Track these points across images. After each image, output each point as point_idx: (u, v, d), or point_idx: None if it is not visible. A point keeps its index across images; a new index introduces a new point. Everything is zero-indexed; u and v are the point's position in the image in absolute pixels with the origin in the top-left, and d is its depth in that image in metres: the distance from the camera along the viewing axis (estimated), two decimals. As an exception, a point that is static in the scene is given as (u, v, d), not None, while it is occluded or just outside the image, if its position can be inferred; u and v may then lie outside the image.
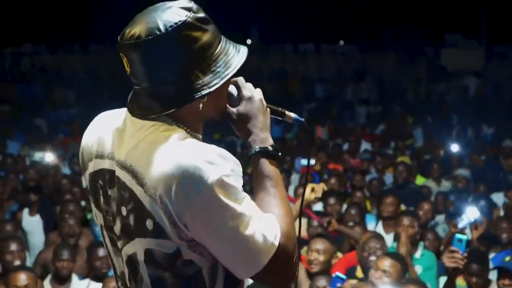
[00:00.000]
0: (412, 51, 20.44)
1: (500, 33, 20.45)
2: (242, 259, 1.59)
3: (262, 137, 1.73)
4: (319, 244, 4.37)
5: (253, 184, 1.74)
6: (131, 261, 1.67)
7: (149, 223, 1.60)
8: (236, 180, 1.58)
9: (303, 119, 1.87)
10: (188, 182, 1.52)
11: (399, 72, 19.56)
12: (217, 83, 1.62)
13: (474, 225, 4.95)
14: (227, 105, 1.74)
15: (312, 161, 6.87)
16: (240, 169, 1.62)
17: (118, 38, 1.64)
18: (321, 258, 4.30)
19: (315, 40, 22.31)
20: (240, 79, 1.76)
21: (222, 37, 1.68)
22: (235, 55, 1.67)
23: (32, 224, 6.17)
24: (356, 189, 6.56)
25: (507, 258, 4.08)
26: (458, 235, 3.36)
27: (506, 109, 14.63)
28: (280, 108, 1.84)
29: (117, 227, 1.69)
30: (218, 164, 1.54)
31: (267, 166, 1.70)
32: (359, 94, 16.40)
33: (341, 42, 24.10)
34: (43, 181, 7.19)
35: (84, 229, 5.55)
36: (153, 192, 1.56)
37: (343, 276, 3.64)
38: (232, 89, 1.74)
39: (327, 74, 19.69)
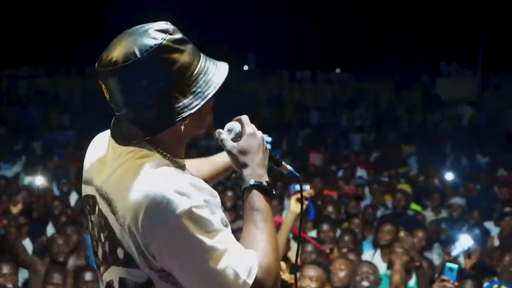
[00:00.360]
0: (407, 79, 20.59)
1: (495, 63, 20.64)
2: None
3: (259, 172, 1.71)
4: (312, 271, 4.34)
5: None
6: (109, 287, 1.67)
7: (120, 252, 1.59)
8: (211, 211, 1.54)
9: (297, 174, 1.88)
10: (155, 212, 1.49)
11: (394, 100, 19.66)
12: (198, 104, 1.60)
13: (467, 254, 4.95)
14: (228, 139, 1.74)
15: (307, 186, 6.87)
16: (217, 199, 1.58)
17: (96, 65, 1.62)
18: (313, 285, 4.27)
19: (312, 67, 22.46)
20: (245, 117, 1.76)
21: (202, 55, 1.66)
22: (215, 74, 1.65)
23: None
24: (351, 216, 6.55)
25: (495, 286, 4.09)
26: (449, 264, 3.36)
27: (500, 139, 14.70)
28: (277, 157, 1.85)
29: (99, 253, 1.69)
30: (189, 195, 1.51)
31: (259, 199, 1.67)
32: (354, 121, 16.46)
33: (337, 70, 24.26)
34: (34, 204, 7.15)
35: (75, 251, 5.50)
36: (123, 221, 1.55)
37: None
38: (235, 125, 1.75)
39: (323, 101, 19.77)
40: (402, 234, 5.66)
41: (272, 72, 22.59)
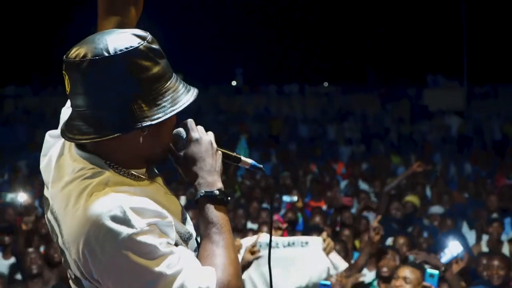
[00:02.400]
0: (394, 92, 20.75)
1: (480, 74, 20.85)
2: None
3: (209, 180, 1.62)
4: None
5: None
6: None
7: (70, 272, 1.56)
8: (158, 234, 1.46)
9: (261, 166, 1.76)
10: (93, 243, 1.43)
11: (381, 112, 19.77)
12: (160, 117, 1.51)
13: (454, 260, 4.94)
14: (175, 148, 1.65)
15: (295, 198, 6.85)
16: (165, 220, 1.49)
17: (64, 56, 1.54)
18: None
19: (299, 81, 22.60)
20: (190, 121, 1.67)
21: (174, 75, 1.60)
22: (183, 94, 1.57)
23: (6, 267, 5.97)
24: (344, 227, 6.54)
25: None
26: (430, 270, 3.38)
27: (487, 148, 14.81)
28: (235, 154, 1.75)
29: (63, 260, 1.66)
30: (128, 222, 1.43)
31: (211, 211, 1.59)
32: (343, 134, 16.52)
33: (325, 84, 24.40)
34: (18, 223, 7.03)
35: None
36: (68, 247, 1.51)
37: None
38: (180, 131, 1.65)
39: (311, 115, 19.85)
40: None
41: (260, 87, 22.70)
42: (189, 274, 1.47)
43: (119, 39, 1.51)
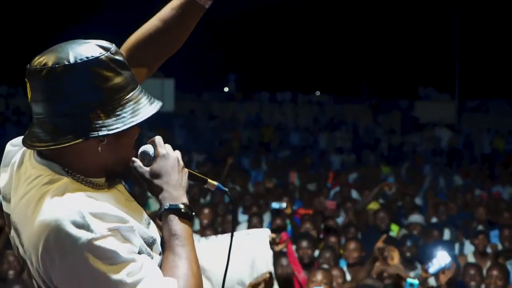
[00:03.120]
0: (385, 103, 20.86)
1: (471, 88, 20.99)
2: None
3: (175, 194, 1.62)
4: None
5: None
6: None
7: (33, 282, 1.55)
8: (120, 240, 1.45)
9: (226, 189, 1.79)
10: (52, 247, 1.42)
11: (373, 123, 19.86)
12: (118, 127, 1.52)
13: (442, 270, 4.96)
14: (142, 164, 1.65)
15: (284, 204, 6.88)
16: (127, 225, 1.48)
17: (28, 64, 1.56)
18: None
19: (292, 89, 22.66)
20: (158, 138, 1.67)
21: (139, 87, 1.60)
22: (145, 106, 1.57)
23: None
24: (330, 233, 6.55)
25: None
26: (410, 280, 3.40)
27: (477, 161, 14.90)
28: (200, 175, 1.75)
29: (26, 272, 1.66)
30: (88, 226, 1.41)
31: (175, 224, 1.58)
32: (334, 143, 16.57)
33: (317, 93, 24.48)
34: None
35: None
36: (29, 255, 1.50)
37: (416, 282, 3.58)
38: (148, 148, 1.66)
39: (303, 123, 19.90)
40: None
41: (252, 94, 22.74)
42: (150, 284, 1.45)
43: (81, 49, 1.52)
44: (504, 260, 6.15)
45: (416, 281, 3.34)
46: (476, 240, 6.35)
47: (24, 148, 1.65)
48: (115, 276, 1.42)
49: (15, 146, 1.71)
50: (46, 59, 1.52)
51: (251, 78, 22.11)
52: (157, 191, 1.64)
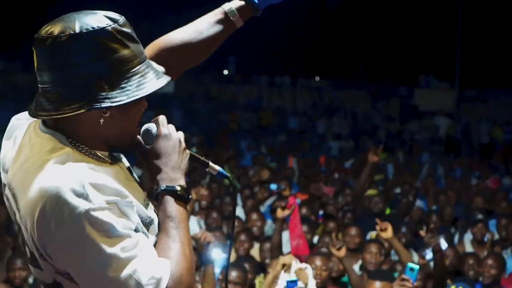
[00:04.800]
0: (385, 90, 20.83)
1: (471, 77, 20.97)
2: None
3: (172, 176, 1.60)
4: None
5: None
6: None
7: (27, 250, 1.54)
8: (116, 214, 1.43)
9: (228, 174, 1.78)
10: (50, 213, 1.40)
11: (371, 109, 19.84)
12: (122, 100, 1.50)
13: (439, 255, 4.96)
14: (144, 143, 1.64)
15: (282, 186, 6.89)
16: (126, 200, 1.47)
17: (36, 34, 1.55)
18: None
19: (291, 74, 22.59)
20: (162, 118, 1.66)
21: (147, 61, 1.59)
22: (152, 80, 1.55)
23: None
24: (328, 218, 6.54)
25: (453, 287, 4.15)
26: (410, 264, 3.41)
27: (475, 150, 14.92)
28: (203, 158, 1.73)
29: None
30: (87, 196, 1.41)
31: (171, 206, 1.57)
32: (332, 128, 16.56)
33: (317, 78, 24.42)
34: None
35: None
36: (25, 221, 1.48)
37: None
38: (151, 126, 1.65)
39: (301, 107, 19.88)
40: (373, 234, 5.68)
41: (252, 77, 22.67)
42: (143, 262, 1.44)
43: (89, 19, 1.51)
44: (501, 249, 6.17)
45: (416, 266, 3.35)
46: (474, 228, 6.36)
47: (29, 121, 1.64)
48: (109, 249, 1.41)
49: (19, 120, 1.69)
50: (52, 28, 1.50)
51: (251, 61, 22.02)
52: (155, 171, 1.62)
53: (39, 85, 1.56)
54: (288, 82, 22.53)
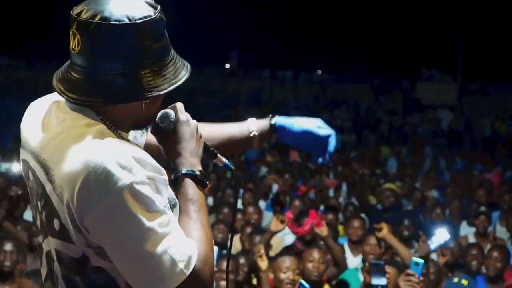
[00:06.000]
0: (387, 84, 20.79)
1: (474, 71, 20.93)
2: (142, 280, 1.46)
3: (191, 161, 1.63)
4: (287, 262, 4.35)
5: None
6: (48, 258, 1.58)
7: (56, 223, 1.51)
8: (155, 190, 1.45)
9: (233, 167, 1.81)
10: (93, 183, 1.40)
11: (374, 103, 19.82)
12: (165, 88, 1.53)
13: (441, 251, 4.98)
14: (161, 126, 1.65)
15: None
16: (163, 177, 1.49)
17: (74, 13, 1.52)
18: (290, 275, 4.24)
19: (293, 67, 22.55)
20: (179, 104, 1.69)
21: (174, 51, 1.62)
22: (182, 67, 1.60)
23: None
24: (329, 210, 6.55)
25: (455, 279, 4.14)
26: (415, 259, 3.40)
27: (477, 144, 14.91)
28: (212, 149, 1.77)
29: (38, 221, 1.61)
30: (131, 169, 1.41)
31: (192, 189, 1.60)
32: (334, 122, 16.56)
33: (319, 71, 24.38)
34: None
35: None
36: (60, 191, 1.46)
37: (307, 285, 3.63)
38: (169, 111, 1.66)
39: (303, 101, 19.87)
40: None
41: (253, 71, 22.64)
42: (175, 239, 1.46)
43: (136, 7, 1.52)
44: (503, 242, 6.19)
45: (421, 260, 3.34)
46: (476, 221, 6.38)
47: (48, 103, 1.63)
48: (148, 223, 1.42)
49: (37, 104, 1.69)
50: (103, 13, 1.49)
51: (253, 55, 21.99)
52: (174, 155, 1.65)
53: (77, 68, 1.53)
54: (290, 75, 22.50)
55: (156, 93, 1.51)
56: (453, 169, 10.59)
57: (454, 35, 20.21)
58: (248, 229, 5.47)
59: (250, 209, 6.25)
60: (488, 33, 21.52)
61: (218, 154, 1.78)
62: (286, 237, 6.02)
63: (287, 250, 4.79)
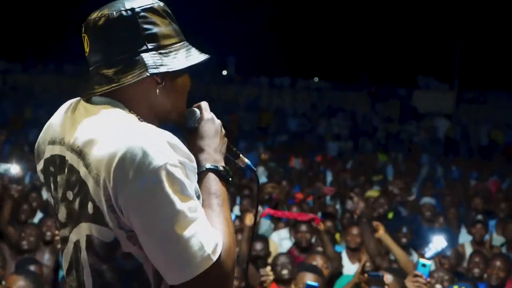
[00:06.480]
0: (384, 92, 20.83)
1: (470, 79, 20.98)
2: (169, 262, 1.48)
3: (215, 157, 1.67)
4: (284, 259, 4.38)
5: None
6: (76, 249, 1.60)
7: (90, 206, 1.53)
8: (185, 174, 1.50)
9: (255, 169, 1.86)
10: (130, 162, 1.45)
11: (371, 110, 19.85)
12: (174, 67, 1.62)
13: (439, 260, 4.99)
14: (187, 124, 1.72)
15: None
16: (194, 164, 1.54)
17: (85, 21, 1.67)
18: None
19: (291, 74, 22.58)
20: (204, 103, 1.75)
21: (186, 42, 1.71)
22: (196, 54, 1.68)
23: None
24: (327, 217, 6.55)
25: (455, 287, 4.15)
26: (422, 260, 3.41)
27: (473, 152, 14.93)
28: (235, 149, 1.81)
29: (61, 214, 1.64)
30: (165, 152, 1.47)
31: (215, 184, 1.63)
32: (331, 129, 16.58)
33: (316, 79, 24.41)
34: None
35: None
36: (96, 173, 1.50)
37: (315, 284, 3.58)
38: (194, 110, 1.73)
39: (301, 108, 19.89)
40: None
41: (251, 78, 22.66)
42: (202, 225, 1.49)
43: (137, 0, 1.64)
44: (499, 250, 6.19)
45: (429, 262, 3.34)
46: (473, 229, 6.38)
47: (66, 111, 1.72)
48: (180, 205, 1.46)
49: (65, 105, 1.76)
50: (102, 10, 1.63)
51: (250, 61, 22.01)
52: (199, 151, 1.69)
53: (93, 67, 1.64)
54: (288, 82, 22.53)
55: (164, 70, 1.60)
56: (449, 177, 10.59)
57: (451, 44, 20.28)
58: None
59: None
60: (485, 42, 21.60)
61: (241, 155, 1.82)
62: (282, 242, 6.02)
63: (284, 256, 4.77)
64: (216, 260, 1.49)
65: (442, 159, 12.51)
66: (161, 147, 1.48)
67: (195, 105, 1.74)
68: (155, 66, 1.59)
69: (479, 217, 7.07)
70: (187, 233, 1.46)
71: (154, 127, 1.55)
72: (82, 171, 1.55)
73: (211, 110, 1.77)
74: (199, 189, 1.60)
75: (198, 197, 1.58)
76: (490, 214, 7.45)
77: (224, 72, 23.81)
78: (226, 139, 1.75)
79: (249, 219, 4.96)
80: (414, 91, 20.93)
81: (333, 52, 23.52)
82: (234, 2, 21.38)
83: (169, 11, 1.68)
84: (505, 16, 20.75)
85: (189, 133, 1.72)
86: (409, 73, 21.90)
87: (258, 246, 5.23)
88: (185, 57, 1.64)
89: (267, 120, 17.54)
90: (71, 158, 1.59)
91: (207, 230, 1.50)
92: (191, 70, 1.69)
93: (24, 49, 21.10)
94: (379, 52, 23.01)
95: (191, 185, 1.52)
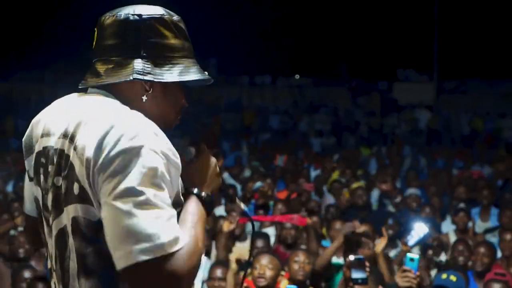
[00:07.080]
0: (365, 85, 20.93)
1: (450, 69, 21.14)
2: (118, 238, 1.41)
3: (203, 190, 1.70)
4: (267, 260, 4.37)
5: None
6: (62, 236, 1.60)
7: (76, 187, 1.55)
8: (165, 166, 1.50)
9: (250, 216, 1.92)
10: (111, 136, 1.49)
11: (352, 105, 19.93)
12: (163, 79, 1.66)
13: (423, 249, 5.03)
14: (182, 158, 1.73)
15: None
16: (177, 161, 1.55)
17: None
18: (269, 273, 4.26)
19: (271, 72, 22.61)
20: (203, 145, 1.79)
21: (195, 61, 1.74)
22: (195, 73, 1.71)
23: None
24: (312, 214, 6.58)
25: (444, 276, 4.16)
26: (410, 255, 3.36)
27: (455, 141, 15.07)
28: (231, 193, 1.87)
29: (49, 201, 1.64)
30: (149, 138, 1.50)
31: (196, 205, 1.63)
32: (314, 125, 16.63)
33: (296, 76, 24.46)
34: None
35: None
36: (81, 153, 1.53)
37: (416, 257, 3.52)
38: (191, 149, 1.80)
39: (283, 106, 19.92)
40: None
41: (233, 78, 22.65)
42: (167, 216, 1.45)
43: (148, 8, 1.71)
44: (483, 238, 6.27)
45: (416, 256, 3.31)
46: (456, 218, 6.45)
47: (70, 96, 1.79)
48: (144, 187, 1.44)
49: (60, 100, 1.80)
50: (115, 11, 1.71)
51: (231, 62, 22.01)
52: (191, 183, 1.71)
53: (93, 60, 1.72)
54: (269, 81, 22.55)
55: (149, 78, 1.64)
56: (433, 167, 10.68)
57: (428, 35, 20.41)
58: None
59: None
60: (463, 31, 21.77)
61: (237, 199, 1.88)
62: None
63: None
64: (170, 254, 1.40)
65: (425, 150, 12.61)
66: (147, 133, 1.52)
67: (193, 145, 1.81)
68: (142, 73, 1.64)
69: (461, 205, 7.15)
70: (144, 213, 1.41)
71: (143, 116, 1.59)
72: (71, 154, 1.58)
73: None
74: (180, 201, 1.62)
75: (177, 196, 1.60)
76: (473, 202, 7.53)
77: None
78: (219, 179, 1.77)
79: (226, 226, 5.09)
80: (394, 83, 21.05)
81: (313, 49, 23.59)
82: (215, 4, 21.38)
83: (182, 27, 1.71)
84: (481, 5, 20.94)
85: (183, 168, 1.70)
86: (388, 66, 22.03)
87: (260, 243, 5.29)
88: (180, 72, 1.68)
89: (250, 119, 17.56)
90: (61, 143, 1.63)
91: (171, 222, 1.45)
92: (186, 87, 1.75)
93: (4, 57, 20.88)
94: (357, 47, 23.11)
95: (168, 180, 1.51)
